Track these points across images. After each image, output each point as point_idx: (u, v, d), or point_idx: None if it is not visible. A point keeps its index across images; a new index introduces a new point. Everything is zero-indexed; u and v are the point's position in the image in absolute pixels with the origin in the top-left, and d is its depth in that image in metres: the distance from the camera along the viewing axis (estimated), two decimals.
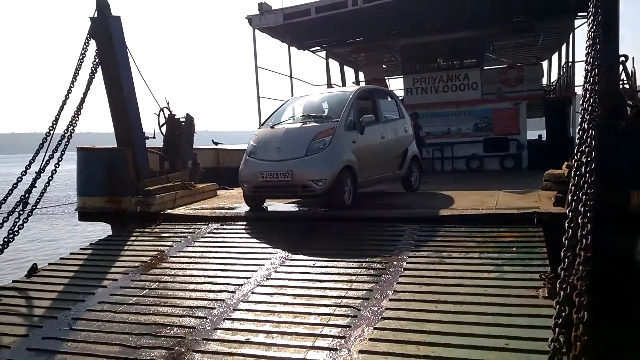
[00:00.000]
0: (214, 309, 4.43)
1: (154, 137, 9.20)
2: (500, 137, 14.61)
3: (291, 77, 15.86)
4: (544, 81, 18.17)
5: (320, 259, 5.35)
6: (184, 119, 9.99)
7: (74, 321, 4.49)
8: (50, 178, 6.49)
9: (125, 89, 7.78)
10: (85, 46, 7.20)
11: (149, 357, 3.76)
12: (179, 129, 9.77)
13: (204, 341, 3.92)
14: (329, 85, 17.69)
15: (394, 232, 5.90)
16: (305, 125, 7.28)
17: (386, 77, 19.55)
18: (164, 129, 9.76)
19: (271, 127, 7.53)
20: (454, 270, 4.66)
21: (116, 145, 8.09)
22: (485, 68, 15.88)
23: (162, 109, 9.75)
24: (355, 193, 7.04)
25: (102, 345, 4.02)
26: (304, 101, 8.33)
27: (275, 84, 17.76)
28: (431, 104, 15.47)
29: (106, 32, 7.49)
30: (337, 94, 8.10)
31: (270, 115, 8.10)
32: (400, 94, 18.42)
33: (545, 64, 20.67)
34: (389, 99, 9.06)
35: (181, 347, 3.86)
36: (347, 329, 3.86)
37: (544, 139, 16.76)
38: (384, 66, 20.78)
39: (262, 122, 8.22)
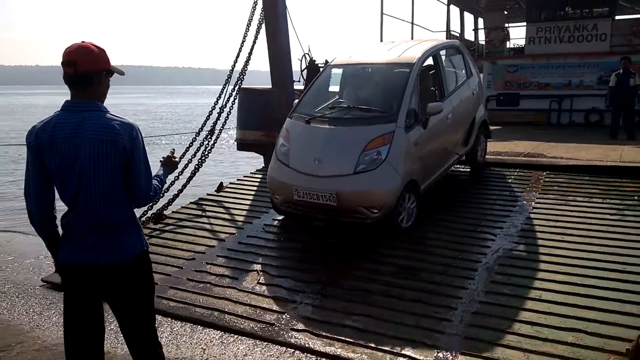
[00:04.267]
0: None
1: (299, 81, 10.44)
2: None
3: (412, 23, 16.37)
4: None
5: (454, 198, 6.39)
6: (322, 65, 11.12)
7: (265, 226, 5.89)
8: (228, 113, 7.95)
9: (283, 40, 8.97)
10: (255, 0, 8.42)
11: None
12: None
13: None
14: (448, 31, 17.92)
15: (522, 176, 6.75)
16: (351, 126, 5.41)
17: (507, 25, 19.24)
18: (304, 73, 10.98)
19: (306, 122, 5.56)
20: (579, 211, 5.51)
21: (271, 86, 9.40)
22: (616, 18, 15.27)
23: (304, 55, 10.93)
24: (418, 210, 5.42)
25: (293, 242, 5.38)
26: (346, 74, 6.36)
27: (397, 31, 18.28)
28: (554, 54, 15.28)
29: None
30: (391, 66, 5.97)
31: (303, 96, 6.18)
32: (521, 42, 18.30)
33: None
34: (455, 54, 7.05)
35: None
36: (486, 248, 4.90)
37: None
38: (505, 12, 20.36)
39: (293, 106, 6.05)
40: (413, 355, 3.46)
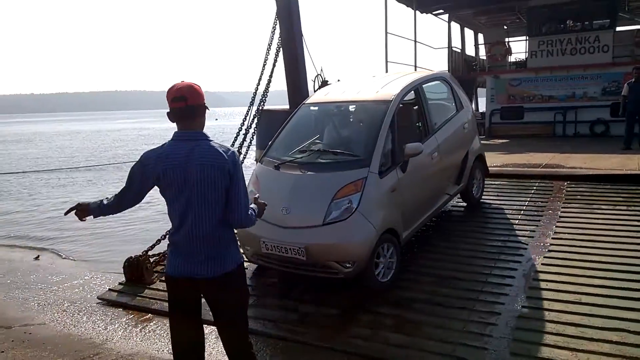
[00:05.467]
0: None
1: None
2: None
3: (415, 41, 16.76)
4: None
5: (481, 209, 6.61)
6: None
7: None
8: (254, 132, 8.23)
9: (300, 62, 9.27)
10: (274, 25, 8.73)
11: None
12: None
13: None
14: (450, 48, 18.31)
15: (544, 187, 7.00)
16: (322, 171, 4.91)
17: (507, 39, 19.66)
18: None
19: (275, 168, 5.07)
20: (605, 219, 5.74)
21: (288, 107, 9.67)
22: (618, 30, 15.66)
23: (317, 75, 11.25)
24: (399, 262, 4.87)
25: None
26: (322, 114, 5.88)
27: (401, 49, 18.70)
28: (556, 67, 15.64)
29: (287, 13, 8.94)
30: (366, 105, 5.48)
31: (275, 138, 5.71)
32: (522, 56, 18.69)
33: None
34: (441, 85, 6.53)
35: None
36: (520, 256, 5.11)
37: None
38: (505, 27, 20.81)
39: (265, 149, 5.61)
40: (466, 357, 3.64)
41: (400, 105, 5.25)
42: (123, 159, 24.16)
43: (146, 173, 2.61)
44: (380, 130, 4.89)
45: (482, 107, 18.38)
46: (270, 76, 8.72)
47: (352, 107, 5.68)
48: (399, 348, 3.82)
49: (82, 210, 2.69)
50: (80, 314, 5.09)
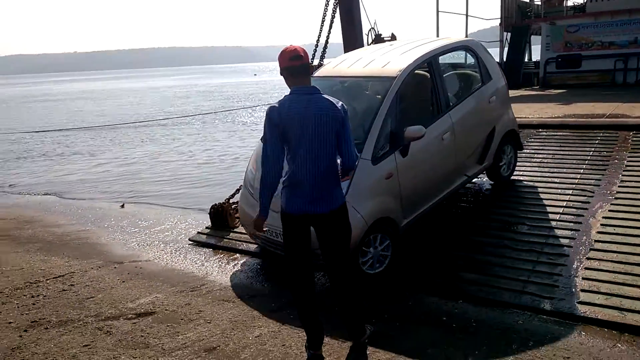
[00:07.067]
0: None
1: None
2: None
3: None
4: None
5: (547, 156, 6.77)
6: (389, 38, 11.46)
7: None
8: None
9: (355, 15, 9.40)
10: None
11: None
12: None
13: None
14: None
15: (608, 137, 7.07)
16: None
17: None
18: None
19: None
20: None
21: None
22: None
23: (370, 29, 11.30)
24: (395, 251, 4.58)
25: None
26: (329, 88, 4.92)
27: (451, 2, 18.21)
28: (617, 11, 15.00)
29: None
30: (370, 81, 5.05)
31: None
32: (580, 0, 17.90)
33: None
34: (468, 56, 6.02)
35: None
36: (587, 204, 5.30)
37: None
38: None
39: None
40: (537, 292, 3.94)
41: (408, 81, 4.76)
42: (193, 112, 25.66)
43: (273, 125, 2.99)
44: (378, 112, 4.50)
45: (537, 56, 17.90)
46: (329, 31, 8.90)
47: (356, 83, 5.17)
48: (472, 285, 4.16)
49: (258, 222, 3.13)
50: (177, 253, 5.69)
